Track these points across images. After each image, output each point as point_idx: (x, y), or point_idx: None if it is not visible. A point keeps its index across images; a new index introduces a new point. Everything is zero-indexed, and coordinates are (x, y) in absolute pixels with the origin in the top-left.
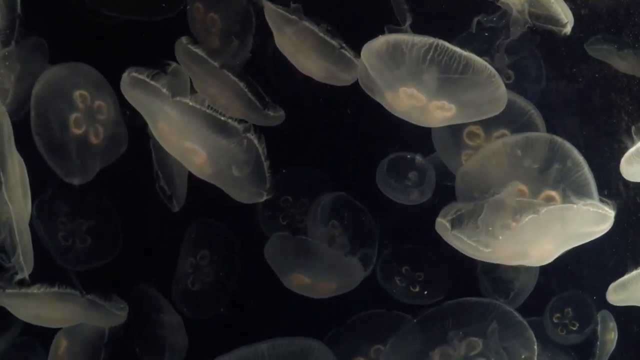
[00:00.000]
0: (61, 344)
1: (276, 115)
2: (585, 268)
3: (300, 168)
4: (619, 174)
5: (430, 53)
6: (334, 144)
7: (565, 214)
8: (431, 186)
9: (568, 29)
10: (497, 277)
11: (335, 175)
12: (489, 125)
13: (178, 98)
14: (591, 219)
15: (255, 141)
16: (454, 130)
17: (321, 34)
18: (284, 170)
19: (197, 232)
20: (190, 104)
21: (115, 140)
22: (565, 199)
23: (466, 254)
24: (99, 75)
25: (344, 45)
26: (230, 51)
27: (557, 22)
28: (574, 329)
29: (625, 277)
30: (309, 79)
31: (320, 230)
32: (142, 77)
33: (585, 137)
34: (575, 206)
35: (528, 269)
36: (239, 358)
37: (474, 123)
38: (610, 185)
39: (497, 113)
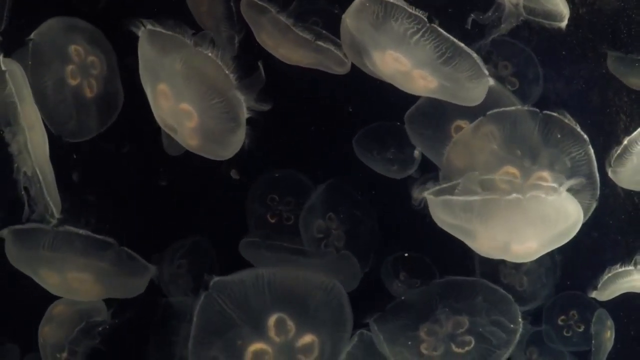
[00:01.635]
0: (57, 306)
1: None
2: (583, 268)
3: (287, 167)
4: None
5: (417, 35)
6: (325, 140)
7: (531, 204)
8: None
9: (564, 23)
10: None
11: (325, 173)
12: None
13: (199, 48)
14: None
15: (243, 101)
16: (441, 126)
17: (293, 28)
18: (276, 174)
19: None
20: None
21: (109, 100)
22: (557, 179)
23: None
24: (95, 30)
25: (323, 32)
26: (221, 32)
27: (553, 16)
28: (580, 330)
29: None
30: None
31: (317, 223)
32: (161, 29)
33: None
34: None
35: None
36: (239, 277)
37: (461, 118)
38: (608, 185)
39: (475, 104)
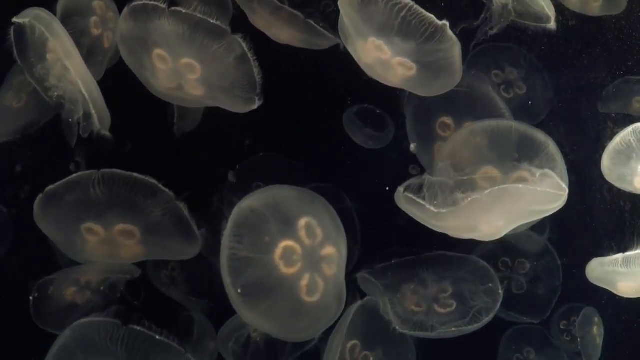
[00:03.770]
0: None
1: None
2: (571, 272)
3: (274, 155)
4: (604, 179)
5: (404, 12)
6: (319, 135)
7: (511, 193)
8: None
9: (552, 25)
10: None
11: (316, 167)
12: (460, 116)
13: (173, 8)
14: (542, 199)
15: (244, 44)
16: (427, 121)
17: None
18: (261, 154)
19: None
20: (184, 11)
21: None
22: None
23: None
24: None
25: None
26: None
27: (540, 18)
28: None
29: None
30: None
31: None
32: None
33: (571, 143)
34: (520, 186)
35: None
36: (271, 193)
37: (445, 114)
38: (595, 190)
39: (454, 79)
